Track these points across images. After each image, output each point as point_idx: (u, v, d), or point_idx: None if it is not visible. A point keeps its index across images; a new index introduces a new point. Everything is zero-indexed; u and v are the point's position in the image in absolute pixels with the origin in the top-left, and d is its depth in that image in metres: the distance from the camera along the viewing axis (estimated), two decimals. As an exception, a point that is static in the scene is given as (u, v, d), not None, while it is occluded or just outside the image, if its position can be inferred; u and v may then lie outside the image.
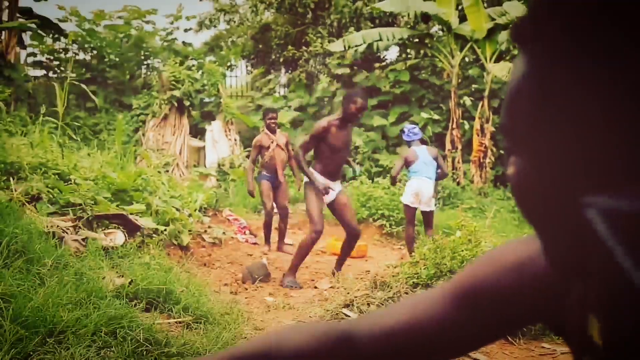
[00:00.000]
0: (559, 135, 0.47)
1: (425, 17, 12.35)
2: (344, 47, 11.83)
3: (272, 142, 7.01)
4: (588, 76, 0.44)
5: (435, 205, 6.71)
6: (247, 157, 9.97)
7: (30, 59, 13.96)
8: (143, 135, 12.32)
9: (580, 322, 0.57)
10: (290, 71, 15.33)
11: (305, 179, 5.40)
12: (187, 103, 12.32)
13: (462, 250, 4.28)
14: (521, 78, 0.50)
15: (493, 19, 11.16)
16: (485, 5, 12.73)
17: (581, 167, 0.46)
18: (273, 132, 7.09)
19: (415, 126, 6.74)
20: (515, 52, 9.81)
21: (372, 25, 13.51)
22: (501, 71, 10.70)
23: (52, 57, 13.98)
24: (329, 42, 13.36)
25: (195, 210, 6.66)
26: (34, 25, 12.02)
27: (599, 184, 0.45)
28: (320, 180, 5.28)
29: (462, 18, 11.60)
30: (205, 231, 6.86)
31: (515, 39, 0.49)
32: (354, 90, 5.56)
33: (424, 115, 12.30)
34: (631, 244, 0.40)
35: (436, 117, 12.41)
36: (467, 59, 13.09)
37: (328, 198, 5.39)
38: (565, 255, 0.52)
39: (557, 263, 0.54)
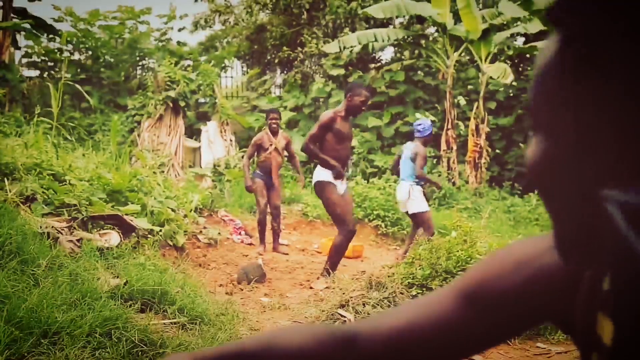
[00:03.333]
0: (583, 119, 0.46)
1: (420, 18, 12.37)
2: (339, 48, 11.84)
3: (270, 145, 6.99)
4: (619, 61, 0.43)
5: (419, 206, 6.33)
6: (243, 157, 9.97)
7: (24, 60, 13.92)
8: (138, 135, 12.29)
9: (589, 320, 0.57)
10: (285, 72, 15.33)
11: (315, 178, 5.42)
12: (182, 103, 12.29)
13: (458, 251, 4.29)
14: (552, 57, 0.49)
15: (487, 21, 11.19)
16: (481, 6, 12.75)
17: (602, 153, 0.46)
18: (275, 133, 7.07)
19: (419, 122, 6.58)
20: (511, 52, 9.84)
21: (367, 26, 13.51)
22: (496, 72, 10.71)
23: (46, 58, 13.93)
24: (324, 42, 13.36)
25: (190, 211, 6.65)
26: (28, 26, 11.98)
27: (618, 175, 0.45)
28: (334, 163, 5.30)
29: (458, 19, 11.62)
30: (201, 232, 6.85)
31: (550, 17, 0.49)
32: (356, 83, 5.53)
33: (419, 115, 12.32)
34: None
35: (431, 117, 12.43)
36: (462, 60, 13.11)
37: (340, 189, 5.39)
38: (577, 240, 0.52)
39: (566, 247, 0.54)
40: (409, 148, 6.55)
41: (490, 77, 11.25)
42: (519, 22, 11.20)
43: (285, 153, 7.20)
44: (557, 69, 0.48)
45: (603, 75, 0.44)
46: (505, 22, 11.19)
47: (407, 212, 6.63)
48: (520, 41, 13.57)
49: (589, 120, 0.46)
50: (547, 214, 0.55)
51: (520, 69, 13.20)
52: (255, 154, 7.16)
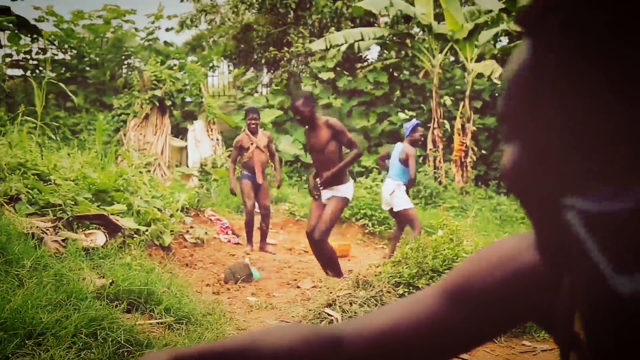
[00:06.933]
0: (552, 126, 0.47)
1: (406, 18, 12.40)
2: (326, 46, 11.84)
3: (251, 144, 7.00)
4: (584, 70, 0.43)
5: (404, 203, 6.37)
6: (229, 156, 9.95)
7: (7, 59, 13.74)
8: (124, 135, 12.22)
9: (567, 318, 0.57)
10: (272, 71, 15.31)
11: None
12: (168, 103, 12.24)
13: (444, 250, 4.31)
14: (522, 65, 0.50)
15: (472, 20, 11.24)
16: (466, 5, 12.81)
17: (569, 160, 0.46)
18: (254, 133, 7.08)
19: (410, 123, 6.63)
20: (495, 51, 9.87)
21: (352, 25, 13.54)
22: (485, 69, 10.77)
23: (29, 57, 13.77)
24: (310, 42, 13.36)
25: (177, 211, 6.61)
26: (11, 25, 11.84)
27: (585, 178, 0.45)
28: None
29: (443, 18, 11.67)
30: (188, 231, 6.82)
31: (521, 24, 0.49)
32: (297, 93, 5.61)
33: (403, 115, 12.37)
34: (607, 245, 0.40)
35: (411, 113, 12.49)
36: (448, 59, 13.16)
37: (323, 196, 5.45)
38: (552, 245, 0.52)
39: (545, 252, 0.54)
40: (398, 149, 6.58)
41: (477, 75, 11.30)
42: (503, 22, 11.27)
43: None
44: (532, 77, 0.48)
45: (580, 80, 0.44)
46: (488, 21, 11.24)
47: (390, 210, 6.66)
48: (504, 41, 13.66)
49: (567, 127, 0.46)
50: (528, 220, 0.56)
51: (505, 68, 13.27)
52: (239, 156, 7.16)
